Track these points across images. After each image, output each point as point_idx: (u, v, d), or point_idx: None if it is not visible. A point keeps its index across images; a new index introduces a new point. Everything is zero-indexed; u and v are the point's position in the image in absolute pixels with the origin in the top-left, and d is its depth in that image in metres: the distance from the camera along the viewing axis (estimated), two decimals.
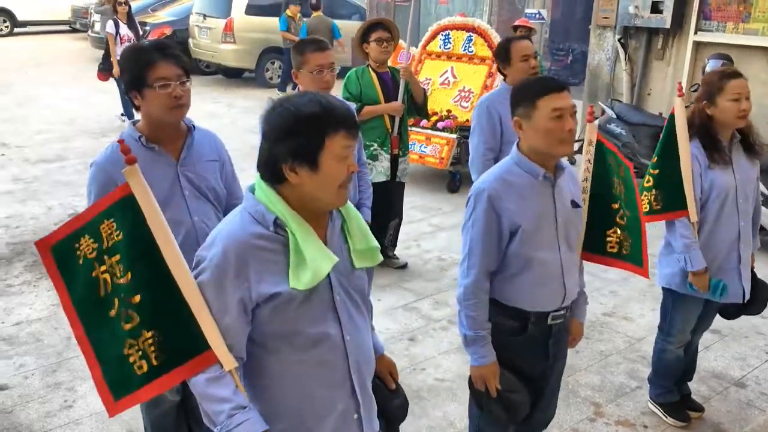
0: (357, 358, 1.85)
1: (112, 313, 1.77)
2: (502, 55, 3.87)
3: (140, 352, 1.74)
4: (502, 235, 2.35)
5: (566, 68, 14.33)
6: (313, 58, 3.41)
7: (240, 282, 1.71)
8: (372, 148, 4.80)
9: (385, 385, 2.11)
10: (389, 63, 4.98)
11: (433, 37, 7.85)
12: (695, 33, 7.60)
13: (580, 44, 13.58)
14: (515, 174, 2.37)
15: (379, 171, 4.84)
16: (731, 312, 3.39)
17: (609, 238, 2.61)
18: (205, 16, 13.22)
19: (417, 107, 5.01)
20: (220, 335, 1.72)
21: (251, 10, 12.98)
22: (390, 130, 4.85)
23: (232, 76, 13.95)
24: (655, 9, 7.73)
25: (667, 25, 7.69)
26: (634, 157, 7.16)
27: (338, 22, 12.14)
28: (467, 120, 6.80)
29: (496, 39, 7.36)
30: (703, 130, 3.05)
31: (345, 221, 1.86)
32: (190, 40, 13.59)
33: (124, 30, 9.20)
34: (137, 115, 2.55)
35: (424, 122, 7.07)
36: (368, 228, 1.91)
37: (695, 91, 3.30)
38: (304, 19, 11.63)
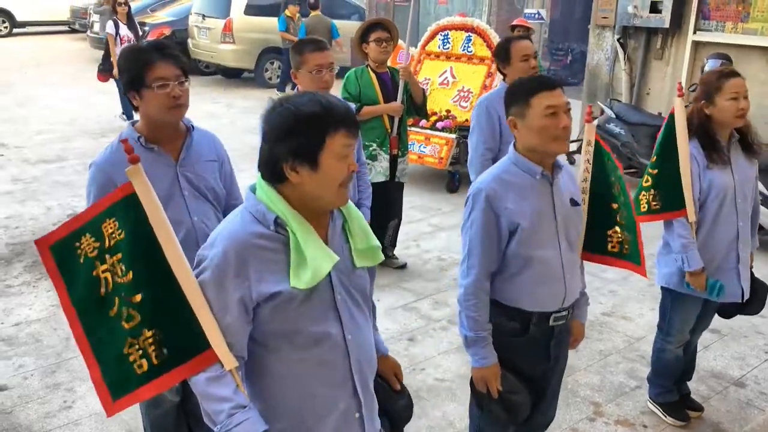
0: (358, 357, 1.85)
1: (112, 312, 1.76)
2: (502, 54, 3.87)
3: (141, 351, 1.74)
4: (501, 234, 2.35)
5: (565, 68, 14.35)
6: (312, 58, 3.41)
7: (240, 281, 1.71)
8: (371, 149, 4.80)
9: (389, 385, 2.11)
10: (388, 63, 4.98)
11: (432, 37, 7.85)
12: (694, 33, 7.60)
13: (579, 44, 13.59)
14: (513, 173, 2.37)
15: (378, 171, 4.85)
16: (730, 311, 3.39)
17: (610, 238, 2.61)
18: (204, 16, 13.22)
19: (416, 107, 5.02)
20: (220, 334, 1.73)
21: (250, 10, 12.99)
22: (389, 131, 4.86)
23: (232, 76, 13.95)
24: (654, 9, 7.74)
25: (666, 25, 7.70)
26: (633, 156, 7.16)
27: (337, 22, 12.14)
28: (466, 120, 6.81)
29: (495, 39, 7.37)
30: (702, 129, 3.05)
31: (346, 221, 1.86)
32: (190, 41, 13.59)
33: (124, 30, 9.20)
34: (136, 116, 2.55)
35: (423, 122, 7.07)
36: (369, 227, 1.91)
37: (693, 90, 3.30)
38: (303, 19, 11.64)
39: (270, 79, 13.26)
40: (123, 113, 9.56)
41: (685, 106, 3.07)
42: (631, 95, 8.30)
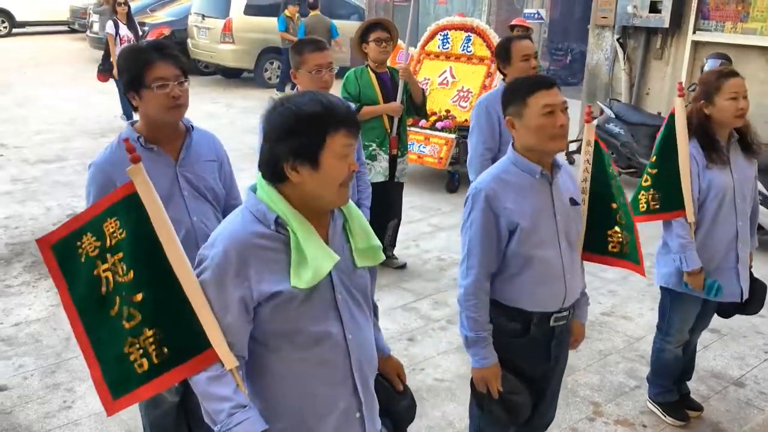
0: (359, 356, 1.85)
1: (113, 311, 1.77)
2: (503, 54, 3.87)
3: (141, 351, 1.74)
4: (500, 234, 2.35)
5: (565, 68, 14.36)
6: (312, 58, 3.41)
7: (241, 281, 1.71)
8: (371, 149, 4.80)
9: (392, 386, 2.11)
10: (388, 63, 4.98)
11: (432, 37, 7.86)
12: (694, 32, 7.61)
13: (578, 44, 13.61)
14: (512, 173, 2.37)
15: (378, 171, 4.85)
16: (729, 311, 3.39)
17: (611, 238, 2.60)
18: (203, 16, 13.22)
19: (416, 108, 5.02)
20: (221, 334, 1.73)
21: (250, 10, 12.99)
22: (389, 131, 4.85)
23: (231, 76, 13.96)
24: (654, 9, 7.74)
25: (666, 25, 7.70)
26: (633, 156, 7.17)
27: (337, 22, 12.15)
28: (466, 120, 6.81)
29: (495, 39, 7.37)
30: (701, 129, 3.05)
31: (347, 220, 1.86)
32: (189, 41, 13.59)
33: (124, 30, 9.20)
34: (135, 116, 2.55)
35: (422, 122, 7.08)
36: (370, 227, 1.92)
37: (693, 90, 3.30)
38: (302, 19, 11.64)
39: (269, 79, 13.26)
40: (123, 114, 9.56)
41: (684, 106, 3.07)
42: (630, 95, 8.30)
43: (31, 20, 19.09)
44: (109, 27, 9.24)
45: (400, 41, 5.60)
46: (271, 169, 1.73)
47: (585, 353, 4.09)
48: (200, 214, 2.52)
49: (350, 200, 1.85)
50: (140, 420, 2.90)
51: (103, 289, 1.78)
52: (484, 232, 2.35)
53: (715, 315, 3.48)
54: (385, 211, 4.96)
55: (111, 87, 9.54)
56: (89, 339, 1.81)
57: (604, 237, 2.61)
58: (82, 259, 1.80)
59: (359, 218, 1.89)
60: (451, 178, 7.32)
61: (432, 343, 4.22)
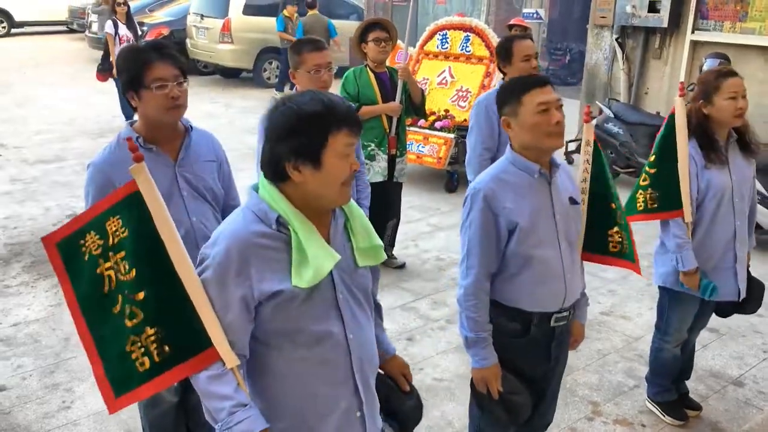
0: (360, 356, 1.85)
1: (116, 309, 1.78)
2: (504, 53, 3.86)
3: (143, 349, 1.75)
4: (500, 234, 2.35)
5: (564, 68, 14.38)
6: (311, 57, 3.41)
7: (242, 280, 1.71)
8: (369, 149, 4.80)
9: (398, 386, 2.11)
10: (387, 63, 4.98)
11: (431, 36, 7.86)
12: (692, 32, 7.61)
13: (577, 44, 13.61)
14: (511, 173, 2.37)
15: (377, 171, 4.85)
16: (727, 311, 3.40)
17: (611, 238, 2.61)
18: (202, 16, 13.22)
19: (415, 108, 5.02)
20: (222, 333, 1.73)
21: (249, 10, 13.00)
22: (387, 131, 4.85)
23: (230, 76, 13.96)
24: (653, 8, 7.75)
25: (665, 25, 7.70)
26: (632, 156, 7.17)
27: (336, 22, 12.15)
28: (465, 120, 6.81)
29: (494, 39, 7.38)
30: (700, 129, 3.05)
31: (348, 219, 1.86)
32: (188, 41, 13.59)
33: (123, 30, 9.19)
34: (135, 116, 2.54)
35: (421, 122, 7.08)
36: (372, 226, 1.92)
37: (692, 90, 3.30)
38: (300, 18, 11.64)
39: (268, 79, 13.26)
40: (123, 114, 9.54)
41: (684, 106, 3.07)
42: (629, 95, 8.30)
43: (29, 20, 19.08)
44: (108, 27, 9.22)
45: (399, 41, 5.61)
46: (273, 169, 1.73)
47: (584, 353, 4.09)
48: (199, 214, 2.52)
49: (351, 199, 1.85)
50: (139, 420, 2.90)
51: (106, 287, 1.79)
52: (483, 232, 2.35)
53: (714, 314, 3.49)
54: (384, 211, 4.96)
55: (110, 87, 9.52)
56: (92, 337, 1.82)
57: (605, 237, 2.61)
58: (86, 258, 1.81)
59: (361, 217, 1.89)
60: (450, 178, 7.32)
61: (431, 343, 4.22)
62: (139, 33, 9.69)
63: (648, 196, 3.11)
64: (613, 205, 2.60)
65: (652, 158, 3.14)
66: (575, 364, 3.94)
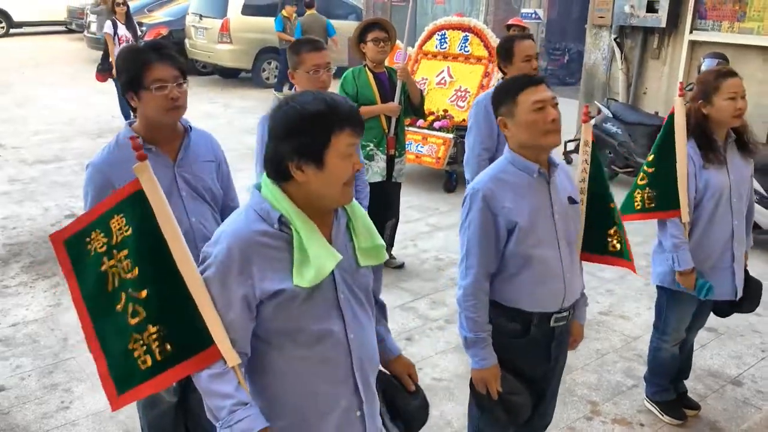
0: (360, 355, 1.86)
1: (119, 307, 1.79)
2: (505, 53, 3.85)
3: (145, 347, 1.75)
4: (499, 234, 2.36)
5: (562, 68, 14.39)
6: (310, 58, 3.41)
7: (244, 279, 1.72)
8: (368, 149, 4.81)
9: (404, 386, 2.10)
10: (386, 63, 4.98)
11: (430, 36, 7.86)
12: (691, 32, 7.62)
13: (576, 44, 13.62)
14: (510, 173, 2.38)
15: (375, 171, 4.85)
16: (725, 310, 3.40)
17: (610, 238, 2.61)
18: (201, 16, 13.21)
19: (414, 108, 5.02)
20: (224, 331, 1.74)
21: (247, 10, 12.99)
22: (386, 131, 4.86)
23: (229, 76, 13.95)
24: (651, 8, 7.75)
25: (663, 25, 7.71)
26: (630, 156, 7.17)
27: (335, 22, 12.15)
28: (464, 120, 6.82)
29: (492, 39, 7.39)
30: (699, 129, 3.06)
31: (350, 219, 1.87)
32: (187, 41, 13.58)
33: (122, 30, 9.18)
34: (133, 116, 2.54)
35: (420, 122, 7.08)
36: (374, 226, 1.92)
37: (690, 89, 3.30)
38: (298, 18, 11.65)
39: (267, 79, 13.26)
40: (121, 114, 9.54)
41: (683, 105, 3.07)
42: (628, 95, 8.31)
43: (28, 20, 19.07)
44: (108, 27, 9.22)
45: (398, 41, 5.61)
46: (276, 168, 1.74)
47: (583, 352, 4.09)
48: (198, 214, 2.52)
49: (354, 199, 1.85)
50: (138, 420, 2.90)
51: (110, 285, 1.80)
52: (482, 232, 2.35)
53: (713, 314, 3.49)
54: (383, 211, 4.96)
55: (109, 87, 9.52)
56: (97, 334, 1.83)
57: (604, 237, 2.61)
58: (91, 255, 1.83)
59: (363, 217, 1.90)
60: (449, 178, 7.32)
61: (430, 343, 4.22)
62: (139, 33, 9.68)
63: (645, 195, 3.12)
64: (612, 205, 2.60)
65: (650, 157, 3.14)
66: (574, 363, 3.94)
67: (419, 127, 7.26)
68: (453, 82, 7.53)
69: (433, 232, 6.16)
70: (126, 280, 1.78)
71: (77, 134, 9.25)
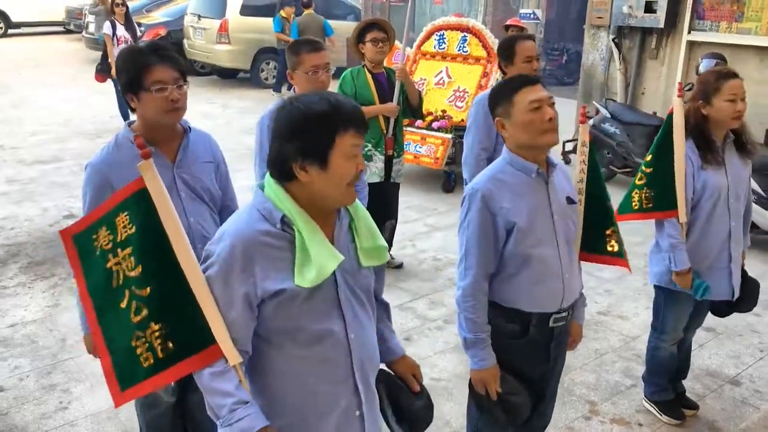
0: (360, 355, 1.86)
1: (123, 304, 1.80)
2: (505, 53, 3.84)
3: (147, 345, 1.76)
4: (498, 234, 2.36)
5: (561, 68, 14.41)
6: (309, 58, 3.42)
7: (246, 277, 1.73)
8: (366, 149, 4.81)
9: (408, 387, 2.10)
10: (384, 63, 4.99)
11: (428, 37, 7.87)
12: (689, 32, 7.63)
13: (574, 44, 13.64)
14: (508, 173, 2.38)
15: (374, 172, 4.85)
16: (723, 310, 3.40)
17: (609, 238, 2.61)
18: (199, 16, 13.21)
19: (412, 109, 5.02)
20: (226, 330, 1.75)
21: (246, 10, 12.99)
22: (385, 131, 4.86)
23: (227, 76, 13.96)
24: (649, 9, 7.76)
25: (661, 25, 7.72)
26: (629, 156, 7.18)
27: (333, 23, 12.15)
28: (462, 120, 6.82)
29: (491, 39, 7.39)
30: (697, 129, 3.05)
31: (353, 219, 1.87)
32: (185, 41, 13.59)
33: (121, 31, 9.18)
34: (132, 116, 2.54)
35: (419, 122, 7.08)
36: (376, 226, 1.93)
37: (689, 90, 3.30)
38: (296, 18, 11.65)
39: (266, 79, 13.26)
40: (120, 114, 9.53)
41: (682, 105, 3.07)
42: (626, 95, 8.32)
43: (26, 21, 19.05)
44: (107, 27, 9.21)
45: (396, 42, 5.61)
46: (279, 168, 1.74)
47: (581, 352, 4.10)
48: (197, 215, 2.52)
49: (357, 199, 1.86)
50: (137, 421, 2.90)
51: (114, 282, 1.82)
52: (481, 232, 2.36)
53: (711, 314, 3.50)
54: (382, 211, 4.96)
55: (108, 87, 9.51)
56: (102, 330, 1.84)
57: (603, 237, 2.61)
58: (97, 252, 1.85)
59: (365, 218, 1.90)
60: (448, 178, 7.33)
61: (428, 343, 4.23)
62: (138, 34, 9.68)
63: (643, 195, 3.12)
64: (609, 205, 2.61)
65: (648, 158, 3.15)
66: (572, 363, 3.95)
67: (418, 128, 7.26)
68: (451, 83, 7.54)
69: (431, 232, 6.16)
70: (130, 277, 1.79)
71: (75, 135, 9.24)
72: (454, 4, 15.70)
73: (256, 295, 1.73)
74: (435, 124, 7.22)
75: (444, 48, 7.71)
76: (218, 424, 1.75)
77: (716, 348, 4.25)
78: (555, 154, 2.45)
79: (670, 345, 3.40)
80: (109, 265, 1.82)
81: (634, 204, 3.14)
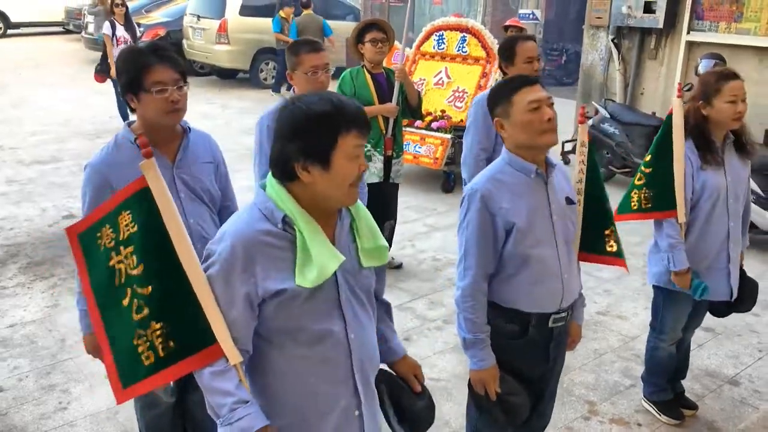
0: (360, 356, 1.86)
1: (125, 302, 1.81)
2: (506, 54, 3.83)
3: (148, 343, 1.77)
4: (497, 235, 2.36)
5: (560, 68, 14.42)
6: (308, 59, 3.42)
7: (247, 277, 1.73)
8: (366, 149, 4.81)
9: (410, 387, 2.10)
10: (384, 64, 4.99)
11: (427, 37, 7.87)
12: (688, 33, 7.63)
13: (573, 44, 13.65)
14: (508, 173, 2.38)
15: (373, 172, 4.85)
16: (722, 310, 3.41)
17: (608, 238, 2.62)
18: (199, 17, 13.21)
19: (411, 109, 5.02)
20: (227, 329, 1.75)
21: (245, 11, 12.99)
22: (384, 132, 4.86)
23: (227, 77, 13.95)
24: (648, 9, 7.77)
25: (660, 25, 7.73)
26: (628, 156, 7.19)
27: (333, 23, 12.15)
28: (461, 120, 6.83)
29: (490, 39, 7.40)
30: (697, 130, 3.05)
31: (354, 220, 1.87)
32: (184, 41, 13.59)
33: (121, 31, 9.18)
34: (132, 116, 2.54)
35: (418, 122, 7.09)
36: (377, 227, 1.93)
37: (688, 90, 3.30)
38: (295, 18, 11.65)
39: (265, 79, 13.26)
40: (120, 114, 9.53)
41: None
42: (625, 95, 8.33)
43: (25, 21, 19.05)
44: (106, 28, 9.21)
45: (396, 42, 5.61)
46: (282, 168, 1.74)
47: (580, 352, 4.10)
48: (197, 216, 2.52)
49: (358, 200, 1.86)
50: (136, 421, 2.90)
51: (117, 280, 1.82)
52: (480, 232, 2.36)
53: (710, 314, 3.50)
54: (381, 211, 4.95)
55: (107, 88, 9.50)
56: (105, 327, 1.85)
57: (602, 237, 2.62)
58: (101, 250, 1.86)
59: (367, 218, 1.90)
60: (447, 179, 7.33)
61: (428, 343, 4.23)
62: (137, 34, 9.67)
63: (642, 195, 3.12)
64: (607, 205, 2.61)
65: (648, 158, 3.15)
66: (572, 363, 3.95)
67: (417, 128, 7.26)
68: (451, 83, 7.54)
69: (430, 232, 6.17)
70: (131, 275, 1.80)
71: (74, 135, 9.24)
72: (454, 4, 15.71)
73: (257, 295, 1.74)
74: (434, 125, 7.23)
75: (443, 48, 7.71)
76: (218, 423, 1.75)
77: (715, 348, 4.25)
78: (554, 154, 2.45)
79: (669, 345, 3.40)
80: (111, 263, 1.83)
81: (633, 204, 3.15)
